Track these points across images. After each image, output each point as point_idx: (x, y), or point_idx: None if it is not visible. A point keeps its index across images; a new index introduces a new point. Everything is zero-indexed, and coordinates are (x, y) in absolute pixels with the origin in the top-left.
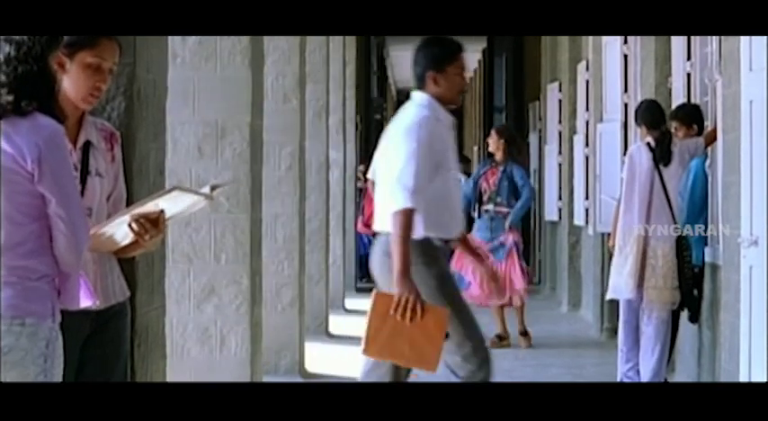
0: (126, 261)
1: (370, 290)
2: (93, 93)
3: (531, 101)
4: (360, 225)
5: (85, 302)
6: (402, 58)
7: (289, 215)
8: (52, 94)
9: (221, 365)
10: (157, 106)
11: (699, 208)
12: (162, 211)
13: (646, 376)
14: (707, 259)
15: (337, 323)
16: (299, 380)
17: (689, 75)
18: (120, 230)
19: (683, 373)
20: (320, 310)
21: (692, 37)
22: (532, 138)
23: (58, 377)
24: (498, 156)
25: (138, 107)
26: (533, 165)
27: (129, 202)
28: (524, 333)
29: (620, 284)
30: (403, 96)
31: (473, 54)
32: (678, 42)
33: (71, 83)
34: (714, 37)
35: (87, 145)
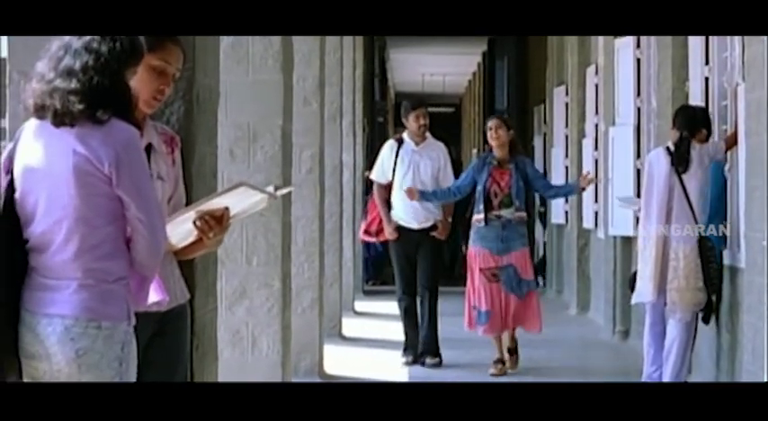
0: (185, 263)
1: (377, 292)
2: (156, 96)
3: (536, 104)
4: (360, 232)
5: (153, 298)
6: (401, 61)
7: (309, 218)
8: (129, 103)
9: (253, 367)
10: (212, 110)
11: (714, 210)
12: (226, 209)
13: (666, 377)
14: (725, 262)
15: (349, 325)
16: (318, 381)
17: (707, 79)
18: (184, 228)
19: (701, 375)
20: (334, 312)
21: (711, 41)
22: (537, 142)
23: (132, 380)
24: (503, 151)
25: (197, 111)
26: (538, 167)
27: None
28: (515, 351)
29: (642, 288)
30: (401, 99)
31: (472, 56)
32: (696, 46)
33: (135, 85)
34: (735, 42)
35: (149, 148)
